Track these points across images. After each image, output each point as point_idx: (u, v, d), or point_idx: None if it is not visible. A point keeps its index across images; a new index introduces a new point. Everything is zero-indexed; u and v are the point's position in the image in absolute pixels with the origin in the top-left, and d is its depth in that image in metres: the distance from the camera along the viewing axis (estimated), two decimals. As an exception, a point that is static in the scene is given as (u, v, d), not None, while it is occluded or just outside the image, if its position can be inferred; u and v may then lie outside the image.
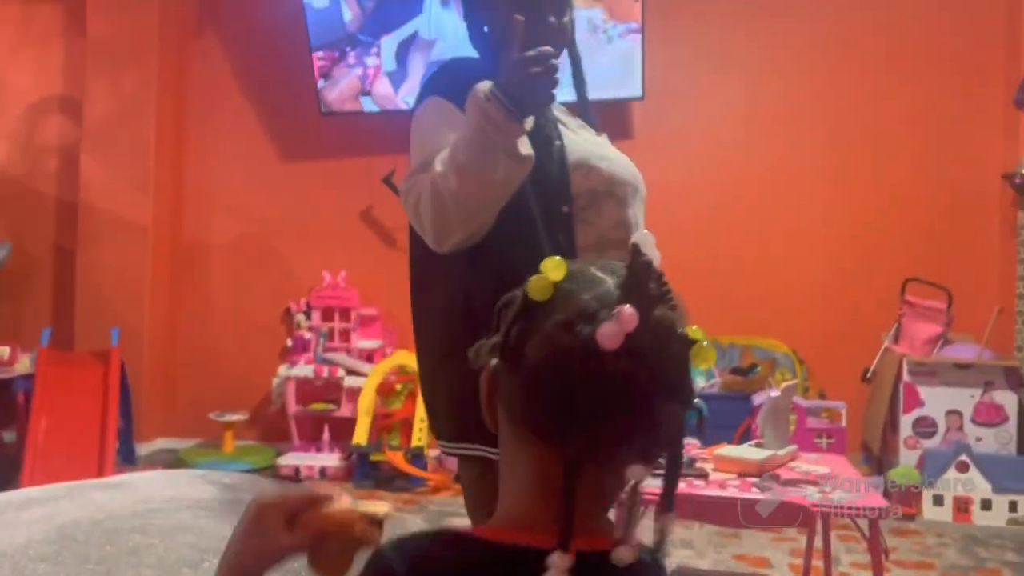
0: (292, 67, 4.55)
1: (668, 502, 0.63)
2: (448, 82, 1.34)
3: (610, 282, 0.64)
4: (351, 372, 4.25)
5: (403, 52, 4.38)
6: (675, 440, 0.63)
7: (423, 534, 0.67)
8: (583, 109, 1.45)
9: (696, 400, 0.59)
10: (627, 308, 0.59)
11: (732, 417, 3.85)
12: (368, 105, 4.47)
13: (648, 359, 0.60)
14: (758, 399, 3.83)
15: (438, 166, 1.20)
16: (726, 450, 2.06)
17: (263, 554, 0.67)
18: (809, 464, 2.09)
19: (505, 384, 0.66)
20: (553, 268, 0.65)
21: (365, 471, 3.99)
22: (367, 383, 4.00)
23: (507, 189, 1.19)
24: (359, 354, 4.37)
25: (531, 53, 1.10)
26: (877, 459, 3.85)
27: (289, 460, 4.15)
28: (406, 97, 4.40)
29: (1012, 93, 3.82)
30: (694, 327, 0.62)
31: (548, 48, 1.12)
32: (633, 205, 1.36)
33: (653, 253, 0.64)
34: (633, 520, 0.62)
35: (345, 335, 4.42)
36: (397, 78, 4.41)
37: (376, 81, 4.43)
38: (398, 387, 4.12)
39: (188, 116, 4.83)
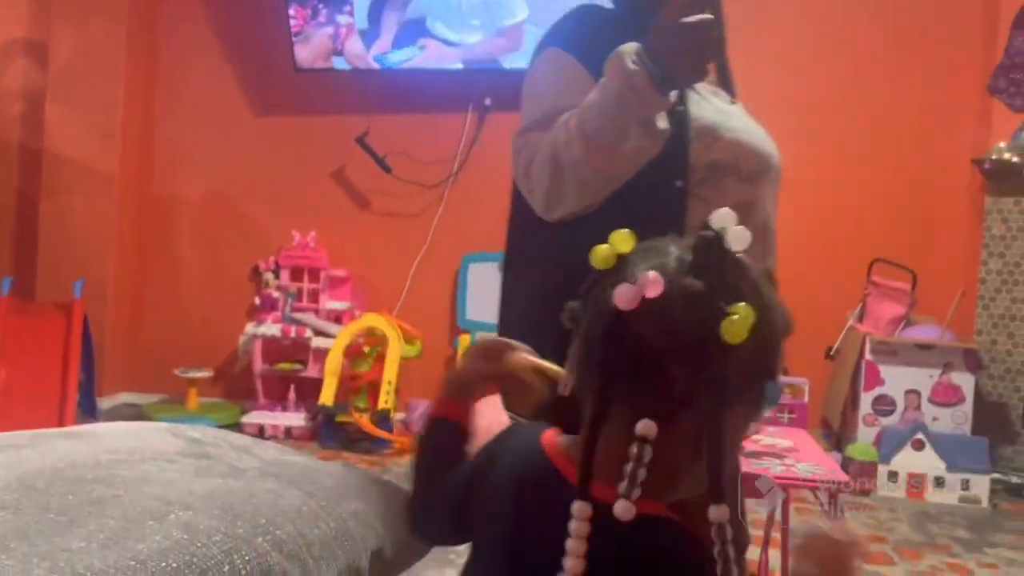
0: (266, 20, 4.45)
1: (713, 493, 0.61)
2: (573, 33, 1.23)
3: (675, 254, 0.65)
4: (319, 333, 4.23)
5: (376, 10, 4.30)
6: (706, 416, 0.62)
7: (529, 427, 0.80)
8: (721, 71, 1.28)
9: (769, 382, 0.66)
10: (651, 274, 0.61)
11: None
12: (340, 64, 4.39)
13: (669, 325, 0.61)
14: (723, 373, 3.86)
15: (561, 133, 1.11)
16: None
17: (472, 373, 0.90)
18: (772, 437, 2.12)
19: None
20: (620, 240, 0.67)
21: (331, 432, 3.98)
22: (335, 344, 3.98)
23: (634, 164, 1.10)
24: (327, 315, 4.34)
25: (692, 20, 0.99)
26: (836, 435, 3.93)
27: (254, 419, 4.13)
28: (377, 56, 4.33)
29: (987, 78, 3.86)
30: (742, 304, 0.61)
31: (710, 16, 1.01)
32: (761, 184, 1.22)
33: (733, 230, 0.65)
34: (635, 477, 0.61)
35: (314, 296, 4.39)
36: (369, 36, 4.33)
37: (348, 39, 4.34)
38: (366, 350, 4.11)
39: (159, 65, 4.71)
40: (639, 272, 0.63)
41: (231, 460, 1.02)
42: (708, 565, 0.61)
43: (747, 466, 1.81)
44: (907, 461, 3.46)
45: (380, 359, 4.00)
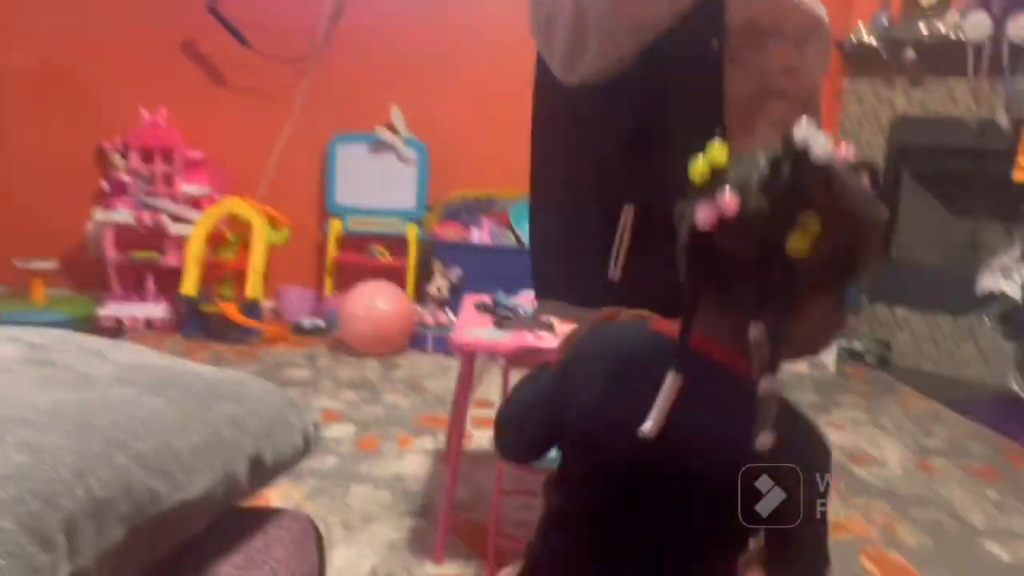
0: None
1: (760, 369, 0.69)
2: None
3: (760, 168, 0.69)
4: (176, 219, 3.96)
5: None
6: (771, 310, 0.68)
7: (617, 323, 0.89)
8: None
9: (849, 283, 0.73)
10: (727, 195, 0.67)
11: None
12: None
13: (743, 242, 0.68)
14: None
15: None
16: (571, 303, 2.09)
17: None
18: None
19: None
20: (715, 153, 0.71)
21: (195, 322, 3.80)
22: (195, 231, 3.74)
23: (664, 10, 0.97)
24: (184, 200, 4.06)
25: None
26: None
27: (110, 311, 3.89)
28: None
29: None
30: (809, 217, 0.66)
31: None
32: (808, 47, 1.09)
33: (817, 141, 0.68)
34: (759, 365, 0.68)
35: (168, 179, 4.08)
36: None
37: None
38: (229, 236, 3.90)
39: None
40: (720, 189, 0.68)
41: (80, 366, 0.91)
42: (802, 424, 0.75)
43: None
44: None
45: (245, 246, 3.81)
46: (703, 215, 0.68)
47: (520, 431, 0.90)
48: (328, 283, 4.15)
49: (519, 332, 1.88)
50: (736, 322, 0.71)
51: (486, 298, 2.22)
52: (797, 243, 0.65)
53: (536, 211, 1.32)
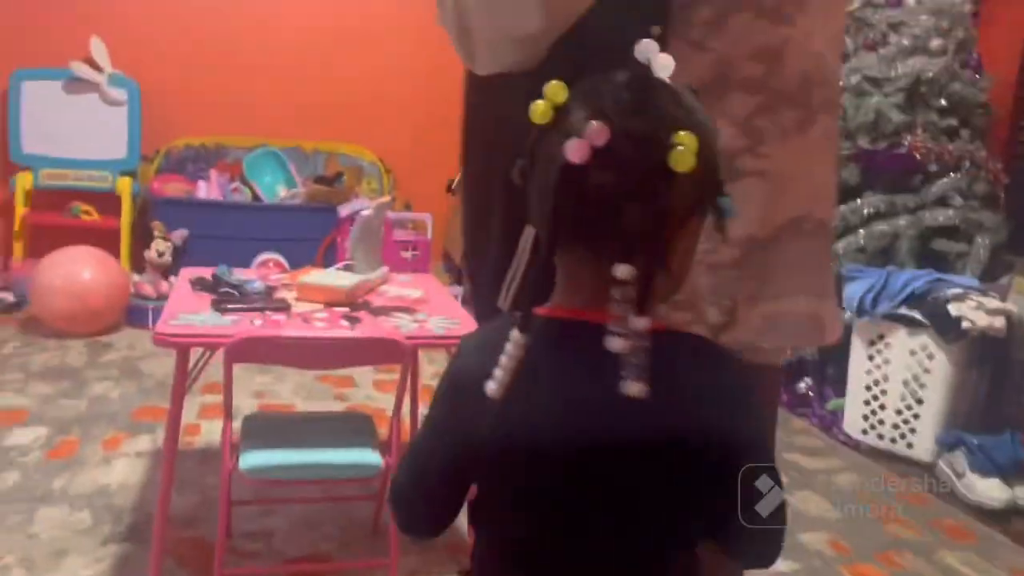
0: None
1: (640, 303, 0.63)
2: None
3: (609, 95, 0.65)
4: None
5: None
6: (649, 238, 0.64)
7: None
8: None
9: (721, 198, 0.66)
10: (595, 124, 0.62)
11: (317, 230, 3.59)
12: None
13: (621, 169, 0.63)
14: (344, 210, 3.60)
15: None
16: (311, 276, 1.77)
17: None
18: (401, 287, 1.91)
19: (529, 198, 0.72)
20: (554, 92, 0.66)
21: None
22: None
23: (542, 17, 0.80)
24: None
25: None
26: (458, 269, 3.93)
27: None
28: None
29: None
30: (683, 133, 0.62)
31: None
32: (797, 18, 0.85)
33: (657, 60, 0.65)
34: (623, 310, 0.63)
35: None
36: None
37: None
38: None
39: None
40: (578, 121, 0.64)
41: None
42: (733, 366, 0.70)
43: (378, 324, 1.56)
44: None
45: None
46: (574, 149, 0.62)
47: (421, 495, 0.76)
48: (18, 248, 3.45)
49: (243, 315, 1.54)
50: (602, 274, 0.64)
51: (206, 272, 1.85)
52: (682, 158, 0.62)
53: (462, 211, 1.11)
